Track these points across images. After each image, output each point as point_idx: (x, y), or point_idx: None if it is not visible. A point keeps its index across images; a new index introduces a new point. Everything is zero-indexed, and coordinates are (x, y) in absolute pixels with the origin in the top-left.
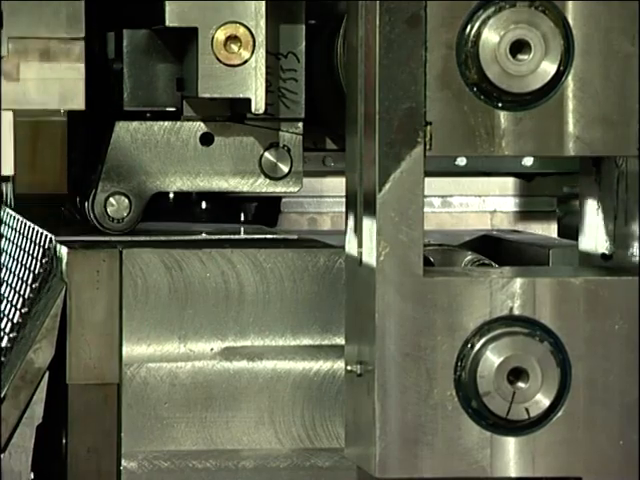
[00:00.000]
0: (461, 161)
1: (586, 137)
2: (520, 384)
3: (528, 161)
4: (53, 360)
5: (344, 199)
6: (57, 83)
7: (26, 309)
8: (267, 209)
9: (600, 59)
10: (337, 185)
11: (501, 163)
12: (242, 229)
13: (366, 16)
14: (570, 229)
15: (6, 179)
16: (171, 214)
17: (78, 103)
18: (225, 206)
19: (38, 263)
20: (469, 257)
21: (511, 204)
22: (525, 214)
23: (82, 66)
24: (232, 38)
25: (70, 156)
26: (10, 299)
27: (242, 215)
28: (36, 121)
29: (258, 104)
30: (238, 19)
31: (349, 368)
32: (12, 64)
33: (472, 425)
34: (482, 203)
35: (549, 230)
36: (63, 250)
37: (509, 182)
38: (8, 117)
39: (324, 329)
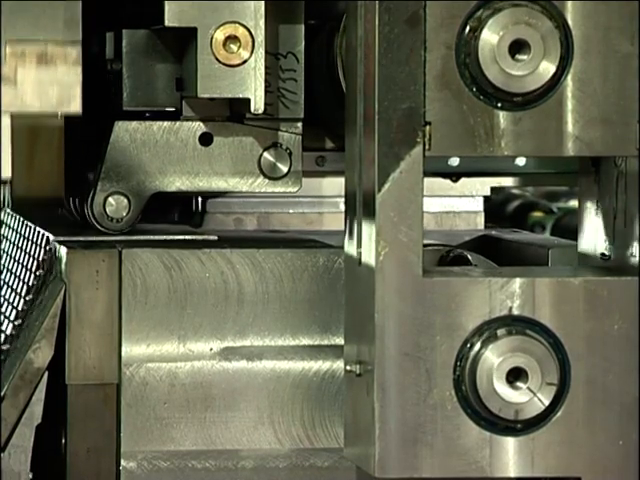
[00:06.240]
0: None
1: (585, 137)
2: (519, 384)
3: (454, 161)
4: (52, 360)
5: (270, 199)
6: (54, 87)
7: (25, 309)
8: (192, 209)
9: (599, 59)
10: None
11: (427, 163)
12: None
13: (365, 16)
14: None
15: (4, 182)
16: None
17: (75, 107)
18: (149, 205)
19: (37, 263)
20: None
21: (437, 205)
22: (451, 215)
23: (79, 69)
24: (231, 38)
25: (68, 156)
26: (10, 299)
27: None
28: (33, 124)
29: (257, 104)
30: (237, 19)
31: (348, 368)
32: (10, 68)
33: (471, 425)
34: None
35: None
36: (62, 250)
37: (435, 182)
38: (6, 121)
39: (323, 329)
